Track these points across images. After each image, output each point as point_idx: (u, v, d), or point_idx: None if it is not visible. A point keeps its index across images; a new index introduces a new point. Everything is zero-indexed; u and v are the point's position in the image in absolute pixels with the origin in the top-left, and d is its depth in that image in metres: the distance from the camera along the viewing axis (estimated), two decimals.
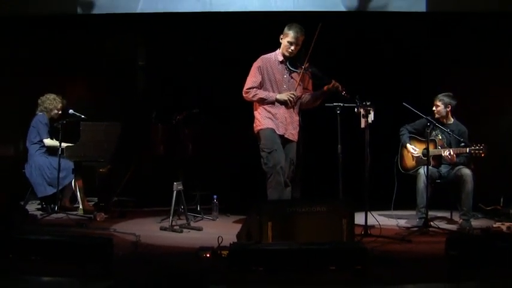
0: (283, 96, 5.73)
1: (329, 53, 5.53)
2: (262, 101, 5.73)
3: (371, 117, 5.63)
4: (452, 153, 6.16)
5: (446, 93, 6.42)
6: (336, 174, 5.75)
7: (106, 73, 8.32)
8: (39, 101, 7.10)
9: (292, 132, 5.80)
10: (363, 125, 5.64)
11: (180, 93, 8.02)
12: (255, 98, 5.70)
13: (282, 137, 5.73)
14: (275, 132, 5.69)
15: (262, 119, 5.73)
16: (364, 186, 5.61)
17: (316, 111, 5.95)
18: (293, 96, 5.71)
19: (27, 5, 7.51)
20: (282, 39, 5.78)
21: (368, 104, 5.63)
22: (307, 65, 5.63)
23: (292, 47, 5.69)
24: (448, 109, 6.39)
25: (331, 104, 5.81)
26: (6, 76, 7.94)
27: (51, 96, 7.13)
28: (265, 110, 5.72)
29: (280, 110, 5.73)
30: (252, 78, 5.78)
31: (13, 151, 8.05)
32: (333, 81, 5.64)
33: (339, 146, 5.75)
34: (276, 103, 5.74)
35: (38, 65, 8.06)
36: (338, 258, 3.94)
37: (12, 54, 8.02)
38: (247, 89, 5.77)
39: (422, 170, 6.17)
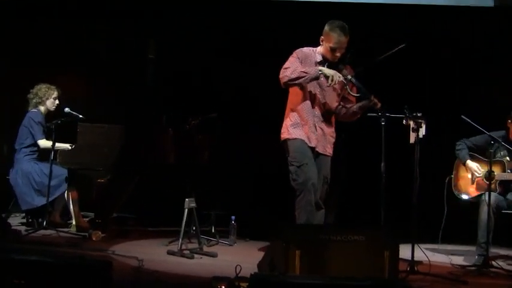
0: (330, 70, 5.52)
1: (372, 52, 5.50)
2: (303, 78, 5.50)
3: (422, 131, 5.59)
4: None
5: None
6: (378, 198, 5.71)
7: (109, 66, 8.37)
8: (30, 95, 7.12)
9: (325, 145, 5.75)
10: (412, 140, 5.61)
11: (196, 93, 8.04)
12: (294, 75, 5.49)
13: (313, 150, 5.68)
14: (306, 143, 5.65)
15: (292, 127, 5.68)
16: (412, 212, 5.56)
17: (356, 121, 5.91)
18: (340, 78, 5.54)
19: None
20: (322, 41, 5.66)
21: (419, 115, 5.58)
22: (348, 72, 5.53)
23: (337, 53, 5.59)
24: None
25: (375, 114, 5.75)
26: None
27: (43, 85, 7.17)
28: (297, 115, 5.66)
29: (313, 118, 5.67)
30: (292, 62, 5.63)
31: None
32: (372, 97, 5.56)
33: (383, 163, 5.68)
34: (309, 110, 5.66)
35: (29, 56, 8.13)
36: None
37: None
38: (284, 68, 5.59)
39: (486, 197, 6.04)
